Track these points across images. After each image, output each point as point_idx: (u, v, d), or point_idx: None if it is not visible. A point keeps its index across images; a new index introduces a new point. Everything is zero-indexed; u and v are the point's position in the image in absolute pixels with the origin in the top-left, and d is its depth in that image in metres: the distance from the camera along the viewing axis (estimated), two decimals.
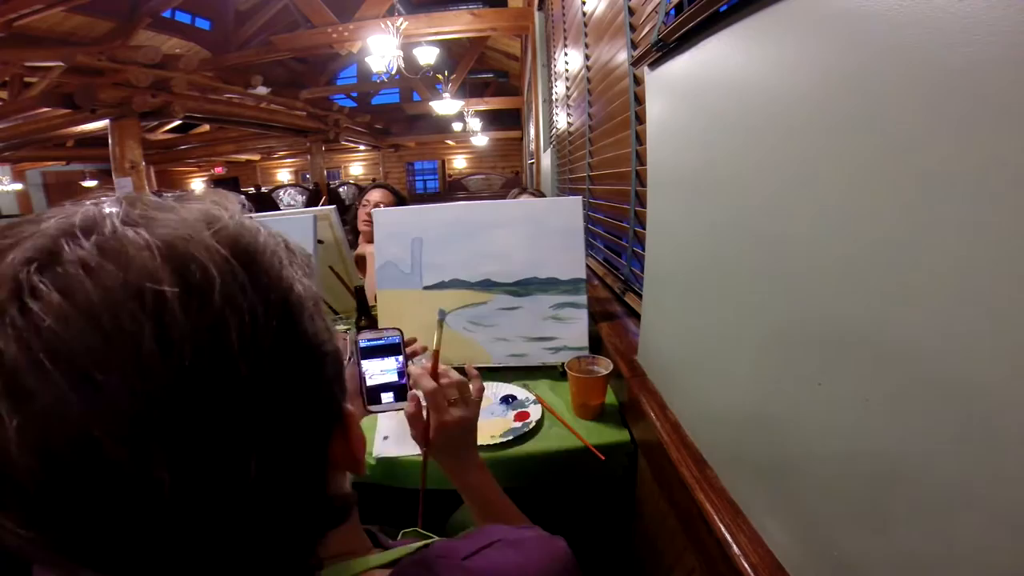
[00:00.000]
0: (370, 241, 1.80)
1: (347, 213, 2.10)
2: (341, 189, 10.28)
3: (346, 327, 1.22)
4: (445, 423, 0.63)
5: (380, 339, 0.66)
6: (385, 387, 0.66)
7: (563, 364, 1.03)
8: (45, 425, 0.20)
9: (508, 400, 1.04)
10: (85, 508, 0.21)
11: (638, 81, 1.17)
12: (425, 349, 0.80)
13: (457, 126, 11.36)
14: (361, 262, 1.78)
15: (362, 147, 12.44)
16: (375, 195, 1.96)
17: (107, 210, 0.24)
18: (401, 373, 0.67)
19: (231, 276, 0.24)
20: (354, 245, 1.96)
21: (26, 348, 0.20)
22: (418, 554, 0.39)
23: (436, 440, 0.64)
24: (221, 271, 0.24)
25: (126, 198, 0.26)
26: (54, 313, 0.20)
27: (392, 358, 0.67)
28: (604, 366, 0.99)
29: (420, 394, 0.65)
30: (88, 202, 0.25)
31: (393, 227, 1.20)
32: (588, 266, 1.36)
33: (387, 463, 0.90)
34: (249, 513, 0.25)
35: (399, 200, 1.98)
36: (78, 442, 0.20)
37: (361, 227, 1.97)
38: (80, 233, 0.23)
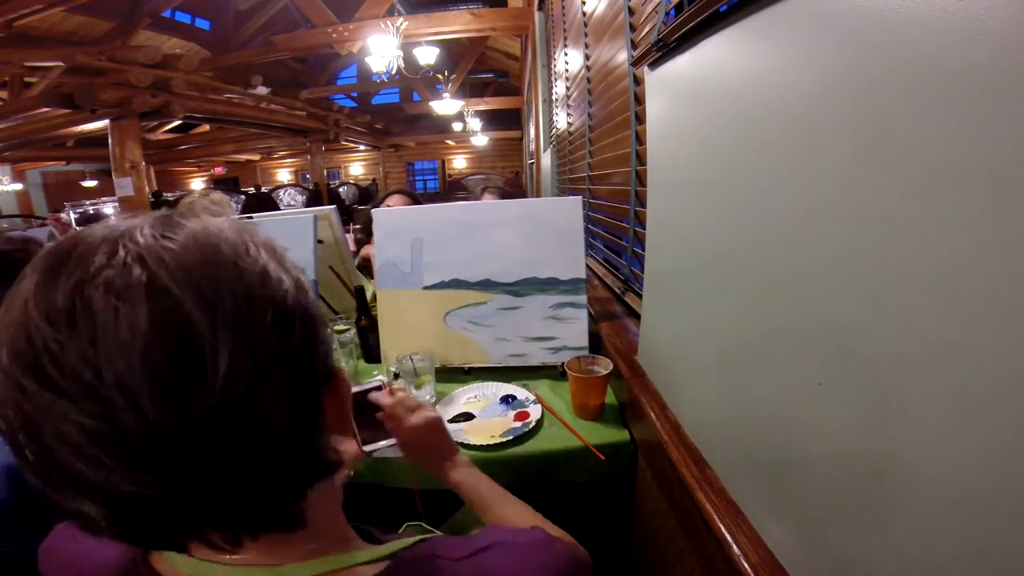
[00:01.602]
0: None
1: (347, 213, 2.10)
2: (341, 189, 10.28)
3: (346, 326, 1.22)
4: (413, 425, 0.69)
5: (367, 386, 0.73)
6: (378, 427, 0.74)
7: (563, 364, 1.03)
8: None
9: (508, 400, 1.04)
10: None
11: (638, 81, 1.17)
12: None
13: (457, 126, 11.36)
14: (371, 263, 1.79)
15: (362, 147, 12.43)
16: (395, 200, 1.96)
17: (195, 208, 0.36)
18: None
19: (269, 251, 0.34)
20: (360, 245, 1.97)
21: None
22: (414, 549, 0.40)
23: (412, 441, 0.70)
24: (264, 247, 0.34)
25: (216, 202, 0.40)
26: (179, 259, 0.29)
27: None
28: (604, 366, 0.99)
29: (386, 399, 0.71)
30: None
31: (393, 227, 1.20)
32: (588, 266, 1.36)
33: (381, 463, 0.90)
34: (270, 434, 0.30)
35: (416, 204, 1.99)
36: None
37: None
38: (181, 214, 0.33)
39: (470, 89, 11.39)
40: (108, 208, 6.94)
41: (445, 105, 8.50)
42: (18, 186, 10.33)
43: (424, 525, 0.63)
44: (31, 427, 0.27)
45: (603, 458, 0.88)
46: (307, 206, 6.92)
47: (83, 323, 0.27)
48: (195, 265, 0.29)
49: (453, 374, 1.16)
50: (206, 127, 9.13)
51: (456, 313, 1.17)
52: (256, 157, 13.18)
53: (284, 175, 14.08)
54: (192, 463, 0.28)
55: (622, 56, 1.29)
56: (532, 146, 4.99)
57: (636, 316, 1.15)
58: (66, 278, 0.28)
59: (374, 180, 13.17)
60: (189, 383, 0.27)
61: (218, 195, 2.04)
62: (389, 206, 1.93)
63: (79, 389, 0.26)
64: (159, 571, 0.36)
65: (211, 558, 0.34)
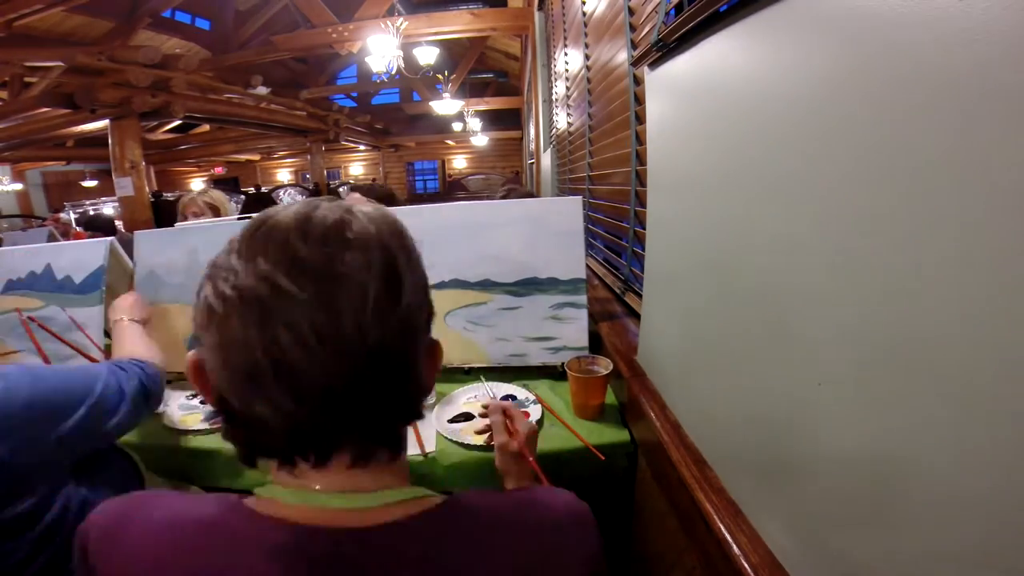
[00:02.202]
0: None
1: None
2: (341, 189, 10.26)
3: None
4: (532, 428, 0.77)
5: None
6: None
7: (563, 364, 1.03)
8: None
9: (508, 400, 1.04)
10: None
11: (638, 81, 1.17)
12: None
13: (457, 126, 11.36)
14: None
15: (362, 147, 12.43)
16: (355, 199, 1.93)
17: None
18: None
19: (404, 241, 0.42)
20: None
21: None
22: (466, 492, 0.47)
23: (528, 439, 0.75)
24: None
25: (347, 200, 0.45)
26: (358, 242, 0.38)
27: None
28: (604, 366, 0.99)
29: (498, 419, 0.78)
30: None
31: None
32: (588, 266, 1.36)
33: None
34: (414, 353, 0.41)
35: (380, 201, 1.94)
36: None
37: None
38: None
39: (470, 89, 11.40)
40: (108, 208, 6.94)
41: (445, 105, 8.50)
42: (18, 186, 10.33)
43: None
44: (266, 320, 0.35)
45: (603, 458, 0.88)
46: None
47: (335, 244, 0.37)
48: (392, 230, 0.40)
49: (453, 374, 1.16)
50: (206, 127, 9.13)
51: (456, 313, 1.17)
52: (256, 157, 13.18)
53: (284, 175, 14.08)
54: (377, 362, 0.37)
55: (622, 56, 1.29)
56: (532, 146, 4.99)
57: (636, 316, 1.15)
58: (316, 220, 0.38)
59: (374, 180, 13.17)
60: (393, 297, 0.38)
61: (216, 193, 2.04)
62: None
63: (321, 298, 0.35)
64: (254, 509, 0.40)
65: (302, 485, 0.40)
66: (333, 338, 0.35)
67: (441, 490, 0.45)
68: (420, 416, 0.44)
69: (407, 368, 0.40)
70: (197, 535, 0.39)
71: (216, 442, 0.95)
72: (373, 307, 0.36)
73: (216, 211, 1.96)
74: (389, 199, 1.97)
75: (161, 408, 1.05)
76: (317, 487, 0.40)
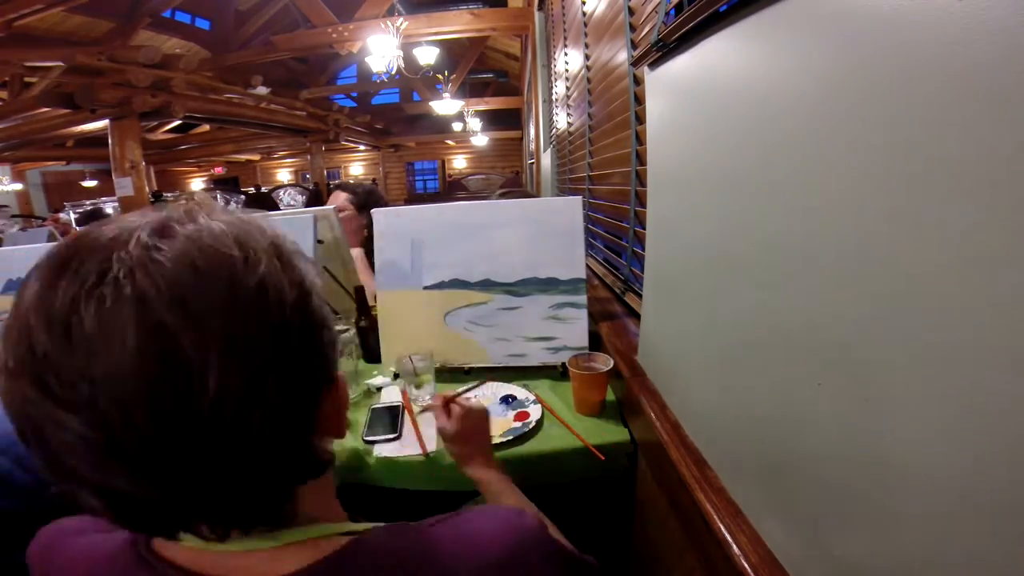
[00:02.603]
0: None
1: None
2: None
3: (345, 327, 1.22)
4: (468, 408, 0.77)
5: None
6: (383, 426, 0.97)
7: (563, 364, 1.04)
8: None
9: (508, 400, 1.04)
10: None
11: (638, 81, 1.17)
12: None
13: (457, 126, 11.35)
14: None
15: (362, 147, 12.43)
16: (339, 198, 1.90)
17: (197, 209, 0.34)
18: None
19: (272, 257, 0.34)
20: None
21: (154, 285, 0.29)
22: (396, 523, 0.41)
23: (464, 429, 0.76)
24: (267, 253, 0.34)
25: (201, 204, 0.35)
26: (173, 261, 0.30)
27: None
28: (603, 362, 0.99)
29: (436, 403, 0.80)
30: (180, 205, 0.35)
31: (393, 228, 1.20)
32: (588, 266, 1.36)
33: (387, 463, 0.90)
34: (261, 442, 0.32)
35: (364, 199, 1.89)
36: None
37: None
38: (180, 219, 0.33)
39: (470, 89, 11.39)
40: (108, 208, 6.94)
41: (445, 105, 8.50)
42: (18, 186, 10.33)
43: None
44: (37, 430, 0.30)
45: (603, 458, 0.88)
46: (307, 206, 6.92)
47: (78, 338, 0.28)
48: (185, 282, 0.30)
49: (453, 374, 1.16)
50: (206, 127, 9.13)
51: (456, 313, 1.17)
52: (256, 157, 13.17)
53: (284, 175, 14.07)
54: (183, 469, 0.30)
55: (622, 56, 1.29)
56: (532, 146, 4.99)
57: (636, 316, 1.15)
58: (63, 290, 0.29)
59: (374, 180, 13.16)
60: (179, 401, 0.29)
61: (200, 197, 1.99)
62: (335, 204, 1.82)
63: (76, 401, 0.28)
64: (159, 553, 0.37)
65: (203, 545, 0.36)
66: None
67: (379, 515, 0.43)
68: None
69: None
70: (98, 571, 0.38)
71: None
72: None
73: None
74: (371, 195, 1.93)
75: None
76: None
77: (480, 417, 0.78)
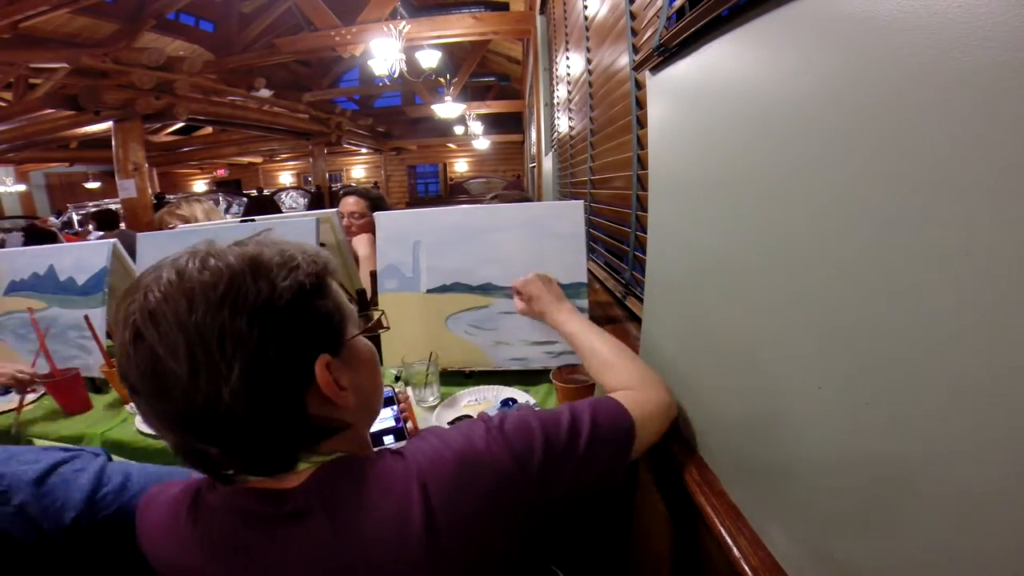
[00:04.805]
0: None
1: None
2: (343, 192, 10.27)
3: None
4: (524, 280, 1.01)
5: None
6: (386, 431, 0.87)
7: (552, 372, 1.01)
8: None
9: (509, 403, 1.04)
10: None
11: (640, 85, 1.17)
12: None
13: (459, 129, 11.40)
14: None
15: (364, 150, 12.48)
16: (349, 202, 1.94)
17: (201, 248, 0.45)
18: (397, 419, 0.89)
19: (242, 277, 0.43)
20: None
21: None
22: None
23: (527, 289, 1.00)
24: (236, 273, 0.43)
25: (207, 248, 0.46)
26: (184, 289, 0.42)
27: (388, 408, 0.88)
28: (587, 373, 0.97)
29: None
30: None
31: (394, 231, 1.21)
32: (589, 270, 1.37)
33: None
34: (228, 411, 0.41)
35: (376, 202, 1.95)
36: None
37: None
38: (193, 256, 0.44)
39: (472, 92, 11.43)
40: (113, 207, 6.98)
41: (447, 108, 8.53)
42: (22, 187, 10.38)
43: None
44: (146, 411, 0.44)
45: None
46: (309, 209, 6.93)
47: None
48: (180, 318, 0.40)
49: (454, 377, 1.16)
50: (209, 129, 9.17)
51: (457, 316, 1.18)
52: (258, 159, 13.22)
53: (286, 178, 14.12)
54: (197, 437, 0.43)
55: (624, 60, 1.29)
56: (533, 150, 5.00)
57: (637, 320, 1.15)
58: (124, 311, 0.43)
59: (376, 183, 13.20)
60: (164, 394, 0.41)
61: (194, 205, 1.93)
62: (346, 211, 1.89)
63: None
64: (205, 498, 0.49)
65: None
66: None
67: None
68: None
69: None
70: (167, 507, 0.51)
71: None
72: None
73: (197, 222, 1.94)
74: (380, 199, 2.00)
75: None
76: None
77: (538, 278, 0.99)
